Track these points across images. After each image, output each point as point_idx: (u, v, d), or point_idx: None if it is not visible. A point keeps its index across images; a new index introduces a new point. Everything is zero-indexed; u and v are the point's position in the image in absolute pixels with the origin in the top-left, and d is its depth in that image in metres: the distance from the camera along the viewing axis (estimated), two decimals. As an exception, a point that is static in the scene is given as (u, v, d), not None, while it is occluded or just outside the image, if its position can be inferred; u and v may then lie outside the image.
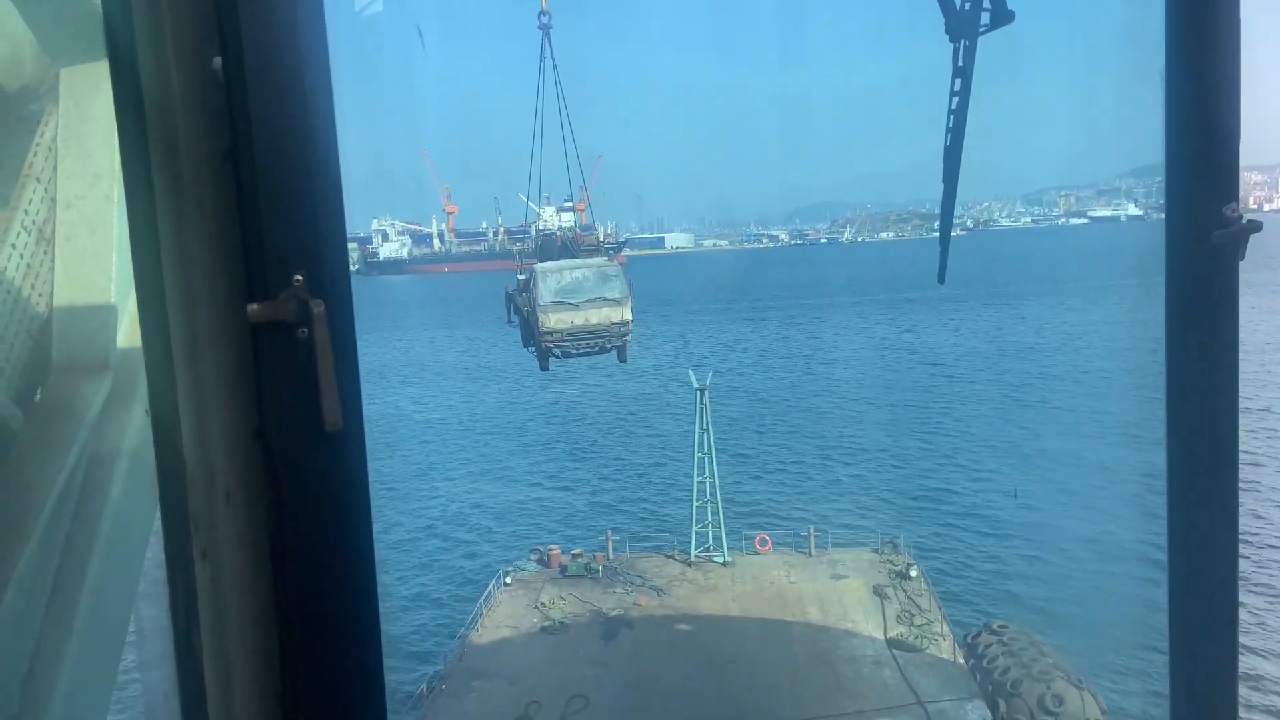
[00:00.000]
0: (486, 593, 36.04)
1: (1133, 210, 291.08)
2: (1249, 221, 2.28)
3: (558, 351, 26.94)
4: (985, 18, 10.67)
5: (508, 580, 37.29)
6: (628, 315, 26.92)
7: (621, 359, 28.50)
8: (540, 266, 27.28)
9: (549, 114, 29.39)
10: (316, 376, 1.79)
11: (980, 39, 10.91)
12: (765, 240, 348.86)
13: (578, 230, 31.25)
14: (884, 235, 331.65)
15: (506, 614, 34.77)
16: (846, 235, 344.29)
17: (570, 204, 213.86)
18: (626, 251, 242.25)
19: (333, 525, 1.89)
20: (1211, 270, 2.34)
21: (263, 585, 1.85)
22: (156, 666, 2.00)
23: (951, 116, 11.51)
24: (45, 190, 3.84)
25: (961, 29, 10.96)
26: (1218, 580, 2.43)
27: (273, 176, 1.80)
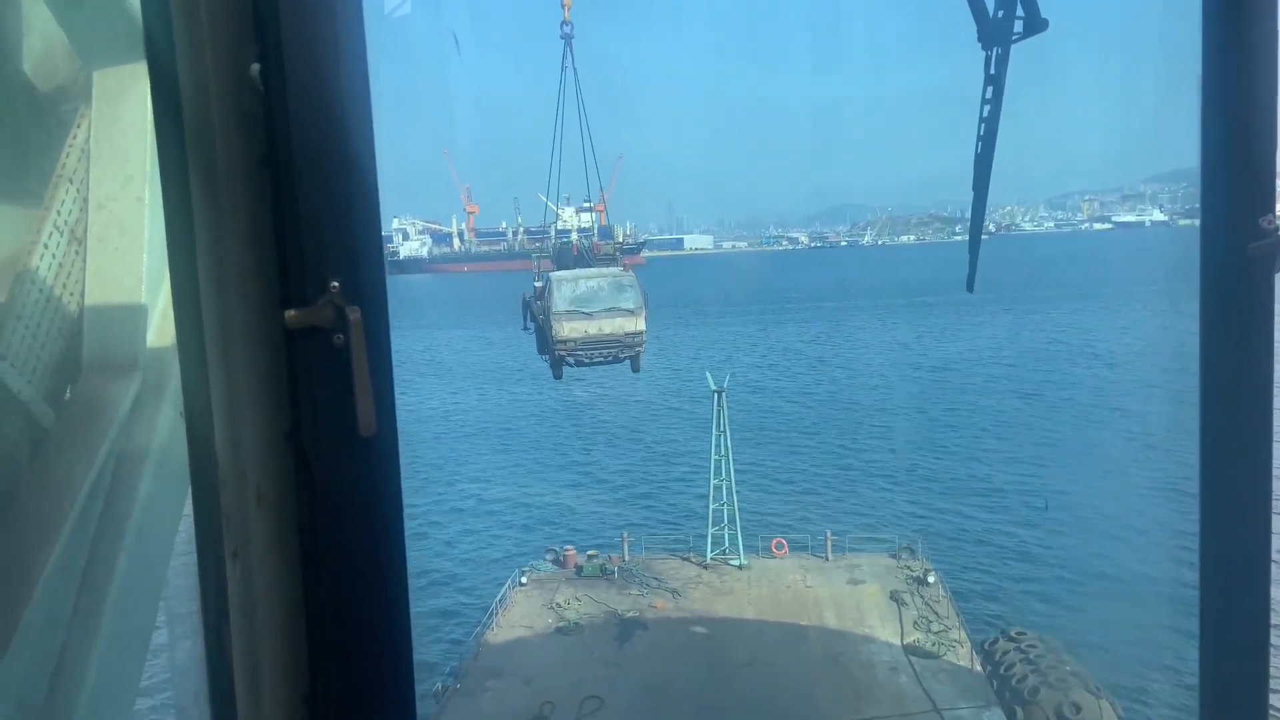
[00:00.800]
0: (502, 593, 36.14)
1: (1157, 216, 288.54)
2: (1291, 233, 2.26)
3: (571, 360, 27.14)
4: (1019, 25, 10.58)
5: (523, 580, 37.39)
6: (641, 326, 27.12)
7: (634, 369, 28.74)
8: (555, 275, 27.50)
9: (569, 119, 29.63)
10: (352, 382, 1.81)
11: (1013, 47, 10.86)
12: (785, 243, 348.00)
13: (595, 238, 31.33)
14: (905, 239, 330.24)
15: (522, 614, 34.85)
16: (867, 238, 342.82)
17: (589, 205, 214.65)
18: (645, 253, 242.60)
19: (365, 530, 1.90)
20: (1247, 282, 2.32)
21: (293, 587, 1.86)
22: (187, 665, 2.01)
23: (983, 125, 11.46)
24: (78, 191, 3.88)
25: (994, 37, 10.89)
26: (1250, 593, 2.40)
27: (310, 182, 1.82)
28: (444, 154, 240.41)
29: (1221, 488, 2.42)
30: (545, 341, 27.51)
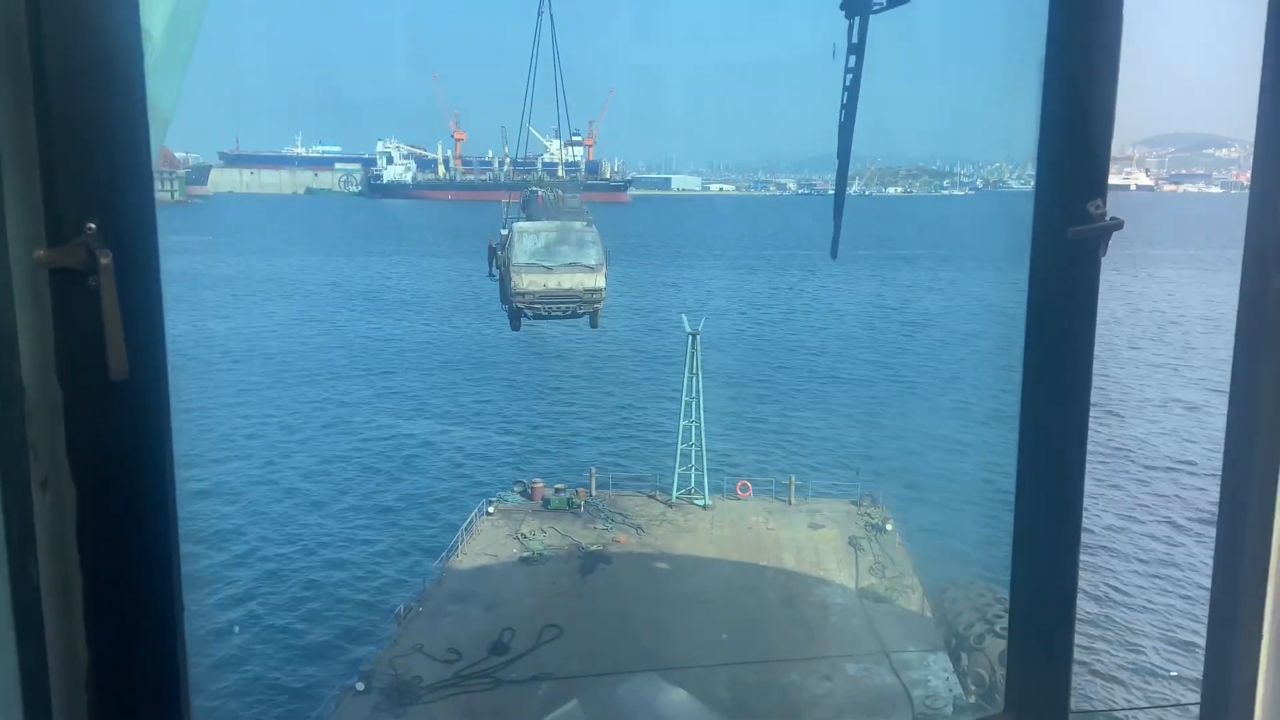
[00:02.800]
0: (468, 520, 36.56)
1: (1143, 179, 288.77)
2: (1111, 219, 2.30)
3: (529, 313, 27.19)
4: None
5: (490, 510, 37.82)
6: (601, 283, 27.19)
7: (593, 325, 28.91)
8: (518, 226, 27.43)
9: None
10: (104, 326, 1.84)
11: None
12: (773, 188, 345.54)
13: (559, 191, 30.90)
14: (892, 190, 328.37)
15: (487, 542, 35.34)
16: (854, 188, 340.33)
17: (579, 139, 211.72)
18: (632, 191, 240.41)
19: (121, 475, 1.96)
20: (1070, 266, 2.37)
21: (71, 525, 1.92)
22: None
23: (846, 93, 11.49)
24: None
25: (856, 6, 10.90)
26: (1057, 581, 2.51)
27: (67, 122, 1.83)
28: (433, 77, 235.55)
29: (1037, 481, 2.50)
30: (505, 291, 27.49)
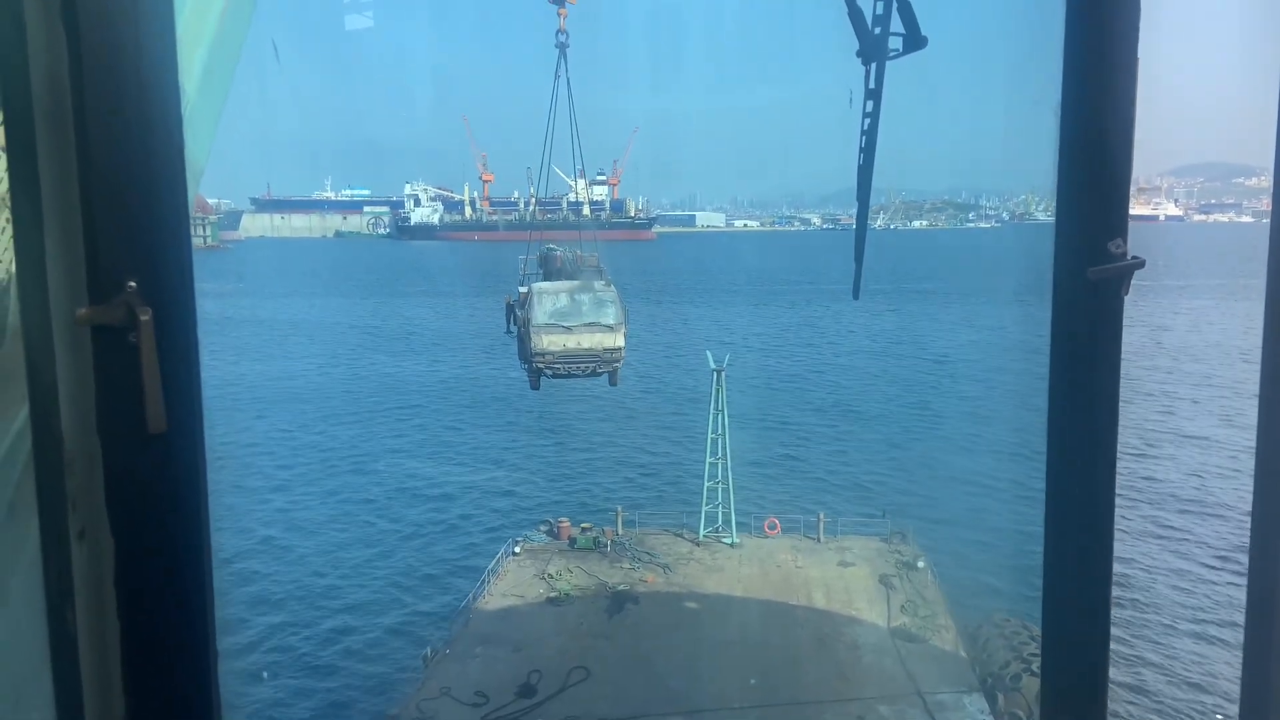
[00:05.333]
0: (495, 561, 36.47)
1: (1172, 210, 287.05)
2: (1133, 259, 2.30)
3: (548, 372, 27.41)
4: (898, 43, 10.74)
5: (516, 550, 37.73)
6: (620, 342, 27.47)
7: (612, 383, 29.15)
8: (537, 287, 27.77)
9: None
10: (143, 381, 1.90)
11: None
12: (797, 224, 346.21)
13: (578, 251, 31.28)
14: (917, 224, 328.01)
15: (513, 583, 35.20)
16: (879, 222, 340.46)
17: (604, 177, 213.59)
18: (657, 228, 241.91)
19: (157, 525, 2.01)
20: (1093, 306, 2.36)
21: (109, 578, 1.97)
22: (22, 641, 2.11)
23: (864, 137, 11.62)
24: None
25: (872, 53, 11.03)
26: (1090, 620, 2.47)
27: (112, 183, 1.90)
28: (463, 120, 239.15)
29: (1065, 522, 2.48)
30: (525, 351, 27.75)
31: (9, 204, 1.98)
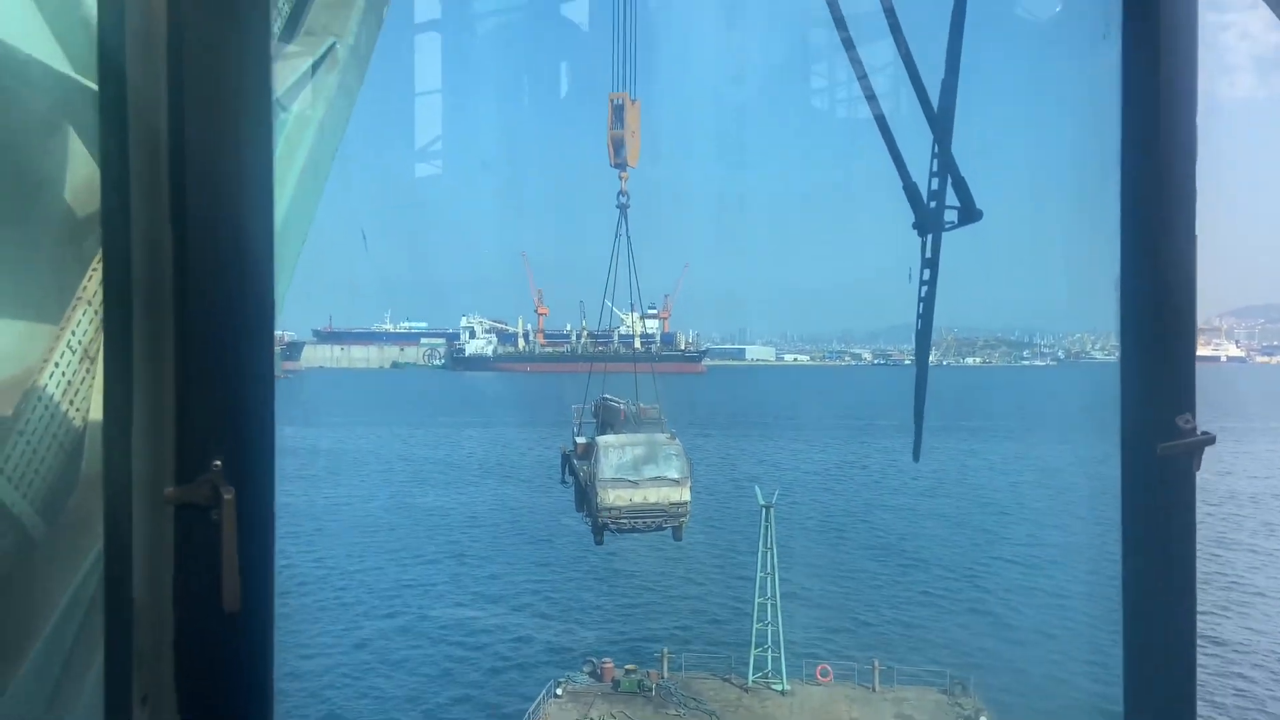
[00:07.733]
0: (536, 703, 35.31)
1: (1233, 351, 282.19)
2: (1203, 434, 2.22)
3: (613, 526, 27.26)
4: (953, 215, 11.02)
5: (559, 692, 36.53)
6: (686, 496, 27.37)
7: (676, 538, 28.86)
8: (603, 440, 27.92)
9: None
10: (221, 559, 1.92)
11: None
12: (848, 358, 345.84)
13: (640, 405, 31.61)
14: (970, 360, 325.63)
15: (555, 727, 33.96)
16: (932, 358, 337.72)
17: (655, 311, 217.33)
18: (707, 361, 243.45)
19: (225, 703, 1.98)
20: (1163, 481, 2.28)
21: None
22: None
23: (921, 304, 11.79)
24: (95, 313, 4.15)
25: (928, 225, 11.31)
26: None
27: (205, 361, 1.97)
28: (522, 256, 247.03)
29: (1147, 692, 2.33)
30: (587, 502, 27.78)
31: (103, 370, 2.06)
